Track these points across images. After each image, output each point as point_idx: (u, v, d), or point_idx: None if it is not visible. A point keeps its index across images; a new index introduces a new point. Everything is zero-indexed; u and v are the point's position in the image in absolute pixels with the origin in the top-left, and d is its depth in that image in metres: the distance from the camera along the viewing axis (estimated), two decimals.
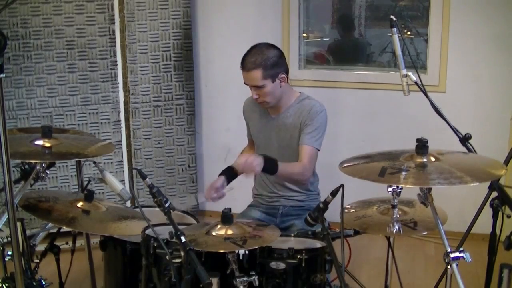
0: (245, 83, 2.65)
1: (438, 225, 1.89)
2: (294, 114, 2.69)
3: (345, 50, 4.40)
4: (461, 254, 1.83)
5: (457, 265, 1.83)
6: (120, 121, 3.79)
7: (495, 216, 2.25)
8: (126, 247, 2.34)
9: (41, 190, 3.23)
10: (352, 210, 2.27)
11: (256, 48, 2.62)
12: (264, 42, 2.67)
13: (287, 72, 2.67)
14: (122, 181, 3.76)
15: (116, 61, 3.70)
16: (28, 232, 2.37)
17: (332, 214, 2.18)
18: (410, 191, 1.99)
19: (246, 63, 2.59)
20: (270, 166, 2.50)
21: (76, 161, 2.79)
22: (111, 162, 3.80)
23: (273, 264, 2.15)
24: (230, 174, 2.71)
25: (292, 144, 2.70)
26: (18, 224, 2.05)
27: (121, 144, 3.81)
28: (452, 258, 1.82)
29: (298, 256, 2.15)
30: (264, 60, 2.57)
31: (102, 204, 2.34)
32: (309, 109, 2.66)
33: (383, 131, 3.93)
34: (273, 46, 2.66)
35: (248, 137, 2.97)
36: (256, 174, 2.52)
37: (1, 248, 2.17)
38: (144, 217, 2.01)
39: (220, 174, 2.67)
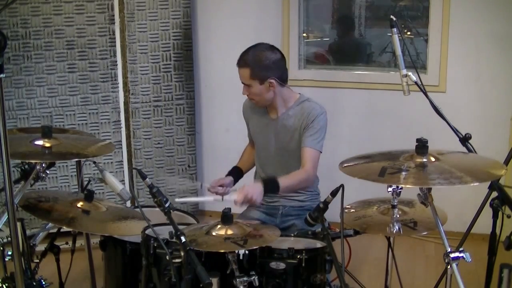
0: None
1: (438, 225, 1.89)
2: (294, 116, 2.69)
3: (345, 50, 4.39)
4: (461, 254, 1.83)
5: (457, 265, 1.83)
6: (120, 121, 3.79)
7: (495, 216, 2.25)
8: (126, 247, 2.35)
9: (41, 190, 3.22)
10: (352, 210, 2.27)
11: (255, 48, 2.62)
12: (267, 43, 2.66)
13: (280, 79, 2.62)
14: (122, 181, 3.76)
15: (116, 61, 3.70)
16: (28, 232, 2.37)
17: (332, 214, 2.18)
18: (410, 191, 1.99)
19: (239, 59, 2.61)
20: (271, 188, 2.53)
21: (76, 161, 2.79)
22: (111, 162, 3.80)
23: (273, 264, 2.15)
24: (237, 174, 2.81)
25: (290, 146, 2.70)
26: (18, 224, 2.04)
27: (121, 144, 3.81)
28: (452, 258, 1.83)
29: (298, 256, 2.15)
30: (255, 61, 2.56)
31: (102, 204, 2.34)
32: (309, 112, 2.65)
33: (383, 131, 3.93)
34: (273, 49, 2.64)
35: (249, 137, 2.96)
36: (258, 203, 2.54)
37: (1, 248, 2.16)
38: (144, 217, 2.01)
39: (228, 174, 2.78)
